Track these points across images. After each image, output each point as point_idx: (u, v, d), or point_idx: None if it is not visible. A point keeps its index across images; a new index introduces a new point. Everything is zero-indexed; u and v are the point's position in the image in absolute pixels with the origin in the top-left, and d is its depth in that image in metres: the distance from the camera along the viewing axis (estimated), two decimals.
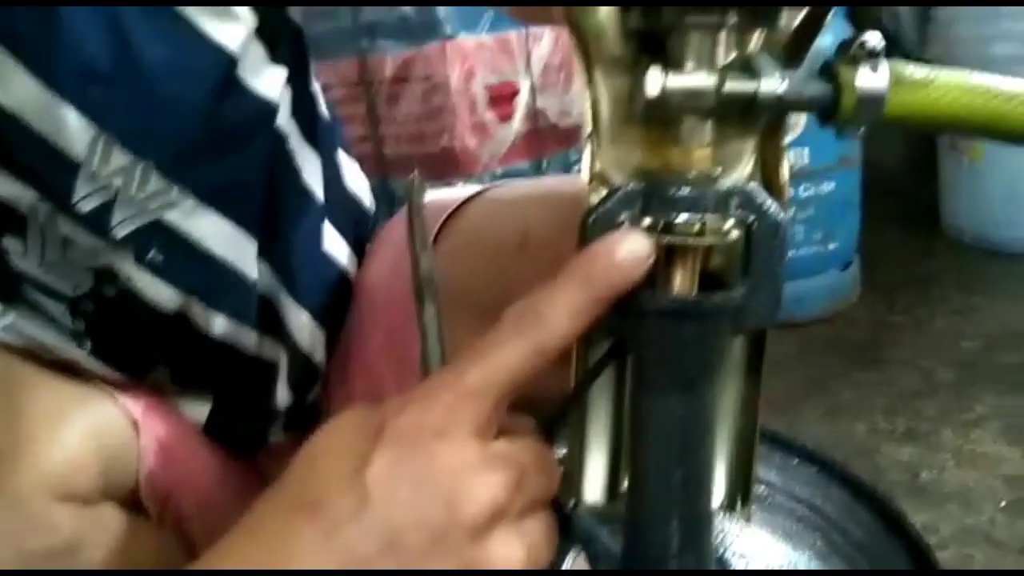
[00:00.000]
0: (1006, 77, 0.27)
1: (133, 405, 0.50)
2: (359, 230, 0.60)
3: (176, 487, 0.51)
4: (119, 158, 0.41)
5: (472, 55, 1.48)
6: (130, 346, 0.49)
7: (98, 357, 0.48)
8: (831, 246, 1.37)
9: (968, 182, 1.54)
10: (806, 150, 1.31)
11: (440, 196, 0.61)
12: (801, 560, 0.46)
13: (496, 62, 1.51)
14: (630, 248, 0.25)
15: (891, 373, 1.22)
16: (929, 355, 1.25)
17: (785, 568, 0.46)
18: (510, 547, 0.25)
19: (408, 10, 1.49)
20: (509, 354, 0.26)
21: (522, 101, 1.55)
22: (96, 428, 0.46)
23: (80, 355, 0.47)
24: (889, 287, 1.46)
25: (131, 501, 0.49)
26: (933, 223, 1.66)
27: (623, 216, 0.24)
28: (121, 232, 0.43)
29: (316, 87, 0.55)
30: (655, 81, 0.23)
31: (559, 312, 0.25)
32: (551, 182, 0.60)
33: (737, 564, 0.45)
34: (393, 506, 0.24)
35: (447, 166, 1.53)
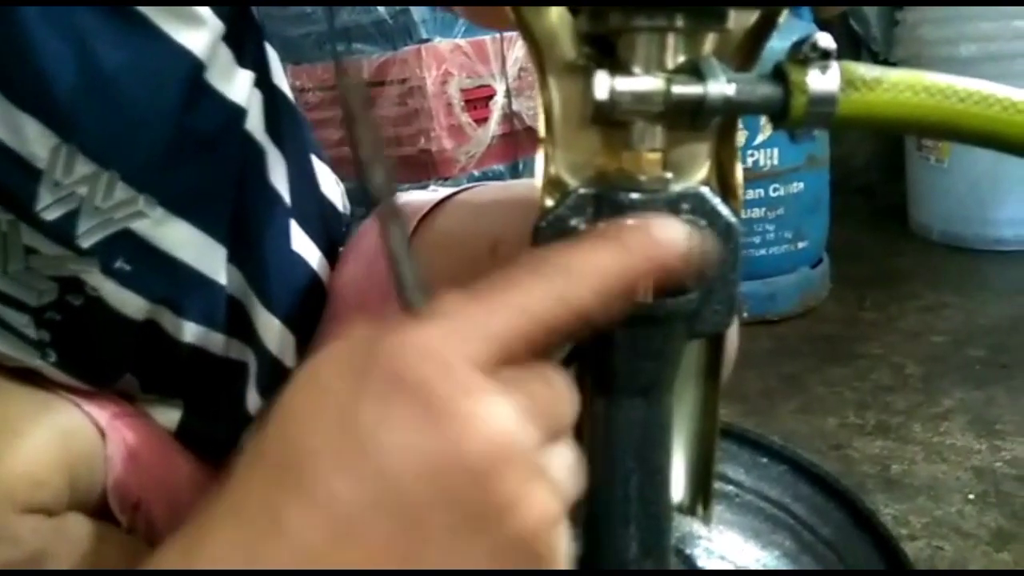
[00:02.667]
0: (962, 77, 0.27)
1: (99, 413, 0.49)
2: (332, 233, 0.60)
3: (146, 494, 0.51)
4: (83, 167, 0.40)
5: (448, 58, 1.48)
6: (97, 355, 0.48)
7: (63, 367, 0.47)
8: (801, 244, 1.39)
9: (935, 181, 1.57)
10: (775, 151, 1.33)
11: (412, 199, 0.61)
12: (770, 560, 0.46)
13: (472, 65, 1.51)
14: (671, 230, 0.23)
15: (862, 368, 1.24)
16: (899, 350, 1.27)
17: (756, 569, 0.46)
18: (529, 486, 0.20)
19: (384, 13, 1.49)
20: (528, 296, 0.22)
21: (498, 104, 1.55)
22: (60, 437, 0.46)
23: (43, 366, 0.47)
24: (859, 284, 1.48)
25: (99, 510, 0.49)
26: (901, 221, 1.68)
27: (575, 221, 0.24)
28: (87, 242, 0.42)
29: (285, 88, 0.55)
30: (603, 85, 0.23)
31: (588, 268, 0.22)
32: (523, 186, 0.59)
33: (706, 565, 0.45)
34: (387, 455, 0.20)
35: (424, 168, 1.53)
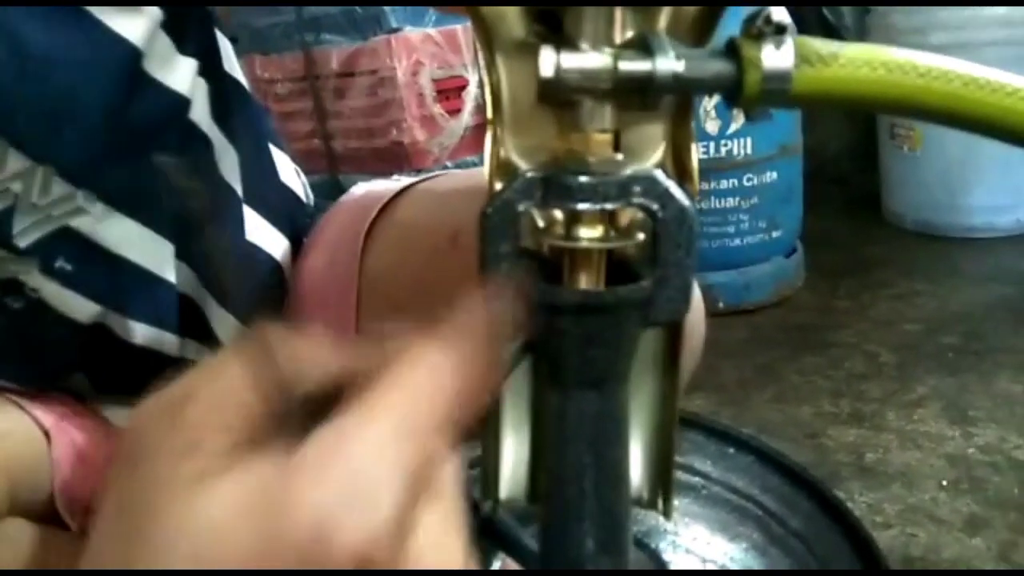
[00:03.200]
0: (923, 52, 0.26)
1: (44, 414, 0.47)
2: (295, 223, 0.58)
3: (94, 496, 0.49)
4: (16, 162, 0.38)
5: (418, 48, 1.46)
6: (41, 357, 0.46)
7: (2, 372, 0.45)
8: (775, 234, 1.39)
9: (908, 169, 1.58)
10: (748, 140, 1.33)
11: (374, 187, 0.60)
12: (738, 553, 0.46)
13: (443, 55, 1.49)
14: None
15: (836, 357, 1.24)
16: (872, 338, 1.28)
17: (723, 564, 0.46)
18: None
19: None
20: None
21: (471, 95, 1.53)
22: (0, 440, 0.44)
23: None
24: (833, 273, 1.49)
25: (46, 514, 0.47)
26: (875, 210, 1.70)
27: (523, 205, 0.23)
28: (24, 240, 0.40)
29: (238, 76, 0.53)
30: (549, 61, 0.22)
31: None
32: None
33: (671, 559, 0.44)
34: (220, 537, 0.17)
35: (397, 160, 1.51)
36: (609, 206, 0.23)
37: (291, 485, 0.18)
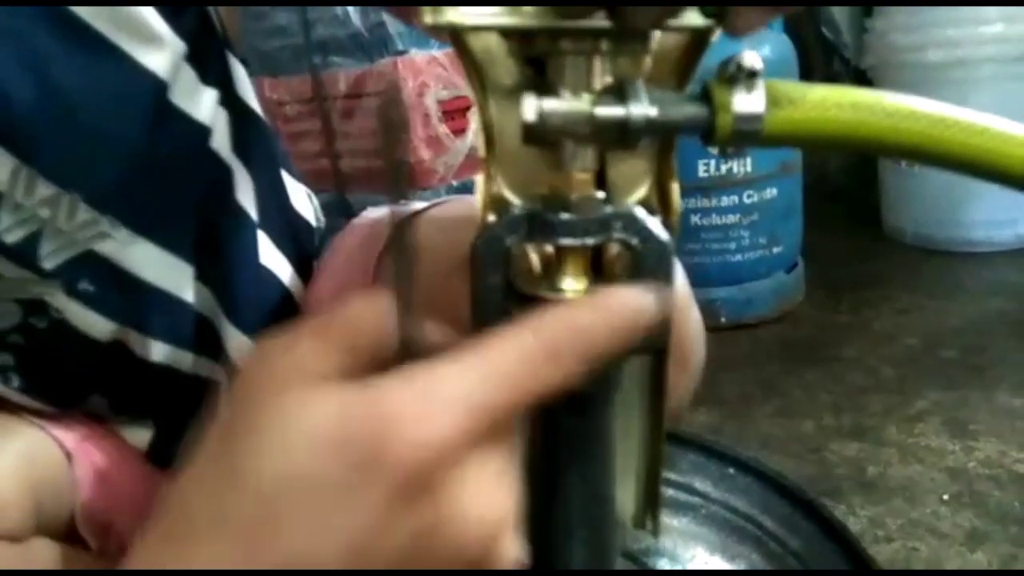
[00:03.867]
0: (893, 93, 0.27)
1: (65, 435, 0.49)
2: (304, 247, 0.60)
3: (118, 516, 0.51)
4: (44, 189, 0.40)
5: (424, 70, 1.49)
6: (63, 377, 0.48)
7: (27, 391, 0.47)
8: (776, 250, 1.40)
9: (907, 184, 1.59)
10: (748, 159, 1.35)
11: (383, 214, 0.61)
12: (743, 564, 0.46)
13: (448, 77, 1.52)
14: (643, 297, 0.23)
15: (837, 371, 1.25)
16: (873, 353, 1.28)
17: (725, 569, 0.46)
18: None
19: (360, 26, 1.50)
20: (506, 360, 0.22)
21: (475, 115, 1.55)
22: (23, 461, 0.45)
23: (5, 390, 0.47)
24: (834, 288, 1.50)
25: (68, 535, 0.48)
26: (875, 225, 1.70)
27: (509, 240, 0.25)
28: (50, 263, 0.42)
29: (252, 103, 0.55)
30: (531, 106, 0.24)
31: (571, 331, 0.22)
32: None
33: (677, 569, 0.45)
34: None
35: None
36: (590, 241, 0.25)
37: (376, 390, 0.21)
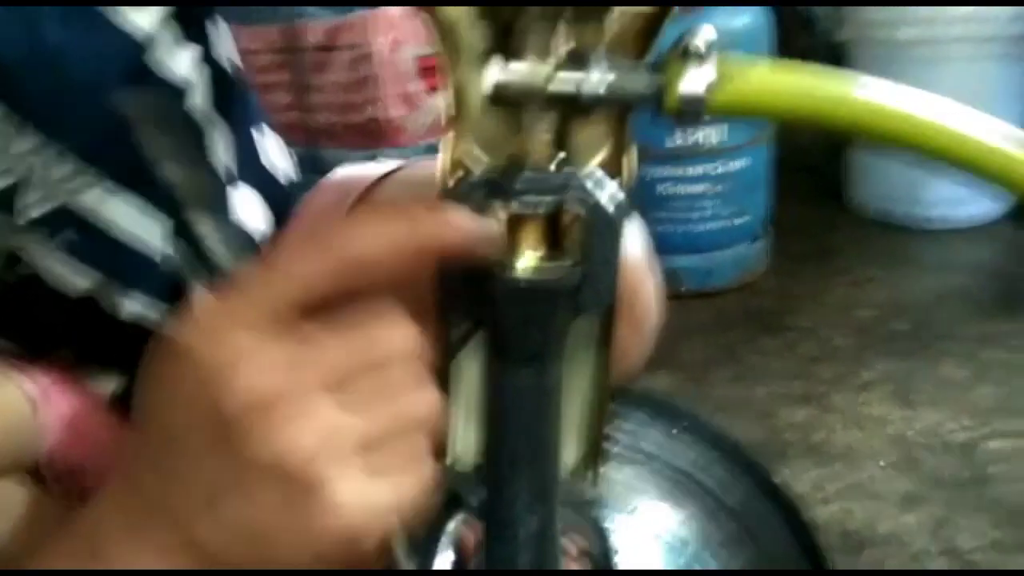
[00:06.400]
0: (842, 69, 0.28)
1: (30, 384, 0.49)
2: (279, 202, 0.60)
3: (83, 462, 0.51)
4: (31, 138, 0.40)
5: (399, 25, 1.46)
6: (30, 331, 0.48)
7: None
8: (740, 221, 1.43)
9: (871, 161, 1.62)
10: (724, 127, 1.36)
11: (356, 170, 0.61)
12: (682, 517, 0.49)
13: (426, 33, 1.49)
14: (460, 216, 0.26)
15: (793, 340, 1.29)
16: (828, 323, 1.33)
17: (666, 532, 0.48)
18: (283, 423, 0.23)
19: None
20: (305, 262, 0.25)
21: None
22: None
23: None
24: (796, 259, 1.53)
25: (33, 479, 0.49)
26: (839, 198, 1.74)
27: (468, 204, 0.26)
28: (31, 214, 0.42)
29: (233, 58, 0.55)
30: (493, 71, 0.25)
31: (371, 232, 0.25)
32: None
33: (619, 519, 0.47)
34: (163, 414, 0.26)
35: (374, 136, 1.52)
36: (544, 206, 0.26)
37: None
